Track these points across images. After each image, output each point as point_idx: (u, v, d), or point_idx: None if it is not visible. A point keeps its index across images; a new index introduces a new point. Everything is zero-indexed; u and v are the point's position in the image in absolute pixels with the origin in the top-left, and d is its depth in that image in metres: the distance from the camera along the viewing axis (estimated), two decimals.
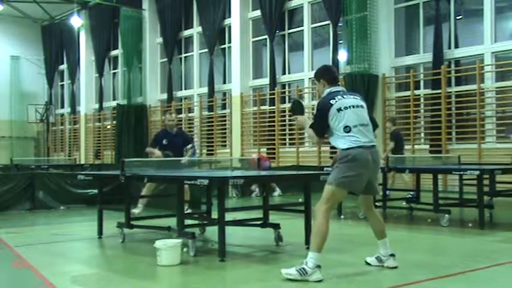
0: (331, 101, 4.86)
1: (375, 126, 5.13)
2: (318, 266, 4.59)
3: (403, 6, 15.45)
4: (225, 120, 19.65)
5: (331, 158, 4.44)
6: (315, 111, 5.02)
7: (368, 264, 5.11)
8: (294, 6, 17.86)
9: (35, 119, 27.43)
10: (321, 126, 4.92)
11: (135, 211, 8.33)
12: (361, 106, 4.97)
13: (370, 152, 4.84)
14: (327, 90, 4.99)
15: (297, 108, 5.36)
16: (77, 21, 23.97)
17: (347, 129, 4.80)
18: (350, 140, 4.77)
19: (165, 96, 22.12)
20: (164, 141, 8.95)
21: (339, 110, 4.82)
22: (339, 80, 5.19)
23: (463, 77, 14.33)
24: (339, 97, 4.89)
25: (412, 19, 15.58)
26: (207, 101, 20.17)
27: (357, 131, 4.81)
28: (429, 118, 14.67)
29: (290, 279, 4.59)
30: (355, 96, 5.03)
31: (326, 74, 5.10)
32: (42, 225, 9.12)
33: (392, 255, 5.02)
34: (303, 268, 4.58)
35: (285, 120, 17.49)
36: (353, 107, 4.88)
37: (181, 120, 20.50)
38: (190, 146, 9.15)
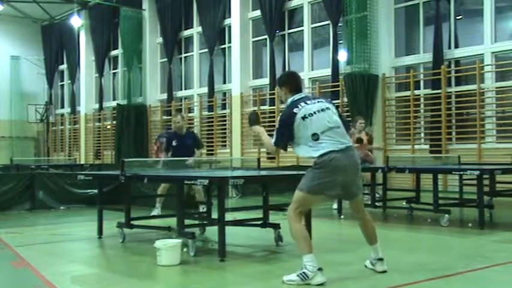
0: (294, 110, 4.69)
1: (347, 128, 4.91)
2: (320, 269, 4.53)
3: (403, 6, 15.44)
4: (225, 120, 19.65)
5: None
6: (277, 124, 4.83)
7: (366, 267, 5.01)
8: (294, 6, 17.85)
9: (35, 119, 27.42)
10: (285, 138, 4.75)
11: (154, 213, 8.38)
12: (327, 108, 4.77)
13: (345, 155, 4.65)
14: (290, 99, 4.83)
15: (254, 118, 5.25)
16: (77, 21, 23.97)
17: (315, 136, 4.63)
18: (320, 147, 4.60)
19: (165, 96, 22.11)
20: (174, 143, 8.93)
21: (304, 118, 4.65)
22: (302, 87, 4.99)
23: (463, 77, 14.32)
24: (302, 104, 4.72)
25: (412, 19, 15.57)
26: (207, 101, 20.17)
27: (325, 136, 4.64)
28: (429, 118, 14.66)
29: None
30: (320, 100, 4.86)
31: (287, 82, 4.94)
32: (42, 225, 9.12)
33: (380, 259, 4.88)
34: (304, 272, 4.52)
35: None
36: (318, 111, 4.70)
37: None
38: (197, 153, 9.13)
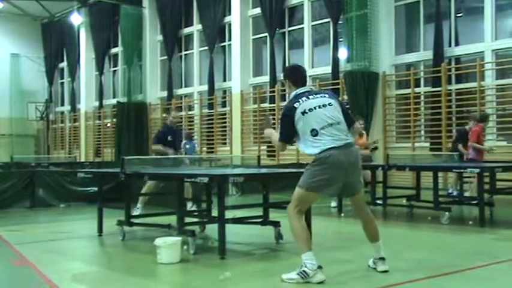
0: (295, 105, 4.65)
1: (350, 123, 4.84)
2: (319, 267, 4.52)
3: (403, 3, 15.42)
4: (225, 118, 19.64)
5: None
6: (280, 120, 4.80)
7: (369, 266, 4.96)
8: (294, 4, 17.83)
9: (35, 116, 27.42)
10: (287, 133, 4.72)
11: (136, 213, 8.33)
12: (329, 104, 4.69)
13: (344, 152, 4.57)
14: (293, 93, 4.78)
15: (266, 122, 5.30)
16: (77, 19, 23.97)
17: (314, 132, 4.58)
18: (320, 144, 4.55)
19: (165, 94, 22.11)
20: (169, 138, 9.05)
21: (304, 113, 4.61)
22: (306, 80, 4.95)
23: (463, 74, 14.31)
24: (304, 99, 4.66)
25: (412, 17, 15.55)
26: (207, 98, 20.16)
27: (325, 132, 4.57)
28: (429, 116, 14.65)
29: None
30: (323, 95, 4.77)
31: (291, 76, 4.90)
32: (42, 223, 9.13)
33: (381, 258, 4.84)
34: (304, 271, 4.49)
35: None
36: (319, 107, 4.64)
37: (181, 118, 20.49)
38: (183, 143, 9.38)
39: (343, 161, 4.57)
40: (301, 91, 4.78)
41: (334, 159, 4.54)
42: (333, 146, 4.56)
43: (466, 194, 10.28)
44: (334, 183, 4.63)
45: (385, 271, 4.81)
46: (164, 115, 21.81)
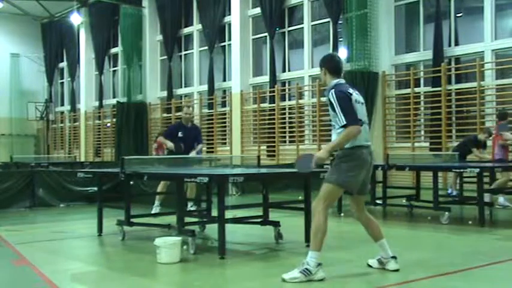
0: (349, 90, 4.66)
1: None
2: (319, 264, 4.56)
3: (403, 3, 15.43)
4: (225, 118, 19.65)
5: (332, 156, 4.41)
6: (336, 103, 4.57)
7: (370, 266, 4.98)
8: (294, 4, 17.83)
9: (34, 116, 27.40)
10: (354, 111, 4.56)
11: (154, 211, 8.37)
12: (364, 104, 4.86)
13: (369, 152, 4.76)
14: (335, 81, 4.76)
15: (302, 164, 4.86)
16: (76, 19, 23.95)
17: (360, 122, 4.64)
18: (360, 136, 4.61)
19: (165, 93, 22.11)
20: (180, 134, 9.01)
21: (356, 101, 4.67)
22: (342, 72, 4.94)
23: (463, 74, 14.31)
24: (351, 90, 4.71)
25: (412, 16, 15.56)
26: (207, 98, 20.16)
27: (364, 128, 4.70)
28: (429, 116, 14.66)
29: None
30: (358, 92, 4.87)
31: (328, 63, 4.90)
32: (42, 222, 9.13)
33: (393, 257, 4.85)
34: (306, 269, 4.51)
35: (285, 118, 17.49)
36: (360, 103, 4.75)
37: (181, 118, 20.45)
38: (199, 147, 9.19)
39: (369, 161, 4.73)
40: (343, 82, 4.82)
41: (364, 158, 4.68)
42: (364, 144, 4.69)
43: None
44: (359, 181, 4.72)
45: (397, 270, 4.81)
46: (164, 115, 21.85)
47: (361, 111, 4.72)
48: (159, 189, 8.75)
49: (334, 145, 4.64)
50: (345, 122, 4.51)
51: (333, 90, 4.67)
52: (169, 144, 8.82)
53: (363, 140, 4.68)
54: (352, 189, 4.76)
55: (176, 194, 6.17)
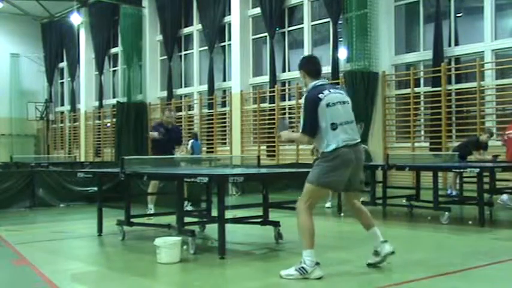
0: (319, 95, 4.64)
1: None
2: (317, 263, 4.56)
3: (403, 3, 15.43)
4: (225, 118, 19.65)
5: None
6: (302, 107, 4.77)
7: (371, 265, 4.96)
8: (294, 4, 17.84)
9: (34, 116, 27.41)
10: (311, 123, 4.64)
11: (148, 213, 8.37)
12: (347, 102, 4.78)
13: (354, 150, 4.71)
14: (312, 84, 4.77)
15: (281, 125, 5.28)
16: (76, 19, 23.95)
17: (333, 126, 4.62)
18: (335, 140, 4.60)
19: (164, 93, 22.11)
20: (161, 130, 9.12)
21: (328, 105, 4.63)
22: (321, 73, 4.94)
23: (463, 74, 14.31)
24: (326, 92, 4.68)
25: (412, 16, 15.56)
26: (207, 98, 20.16)
27: (342, 129, 4.65)
28: (429, 116, 14.66)
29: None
30: (340, 92, 4.83)
31: (305, 65, 4.90)
32: (42, 222, 9.12)
33: (385, 241, 4.86)
34: (302, 267, 4.54)
35: (284, 118, 17.49)
36: (340, 103, 4.70)
37: (181, 118, 20.49)
38: (179, 148, 9.35)
39: (353, 159, 4.70)
40: (321, 83, 4.81)
41: (346, 157, 4.65)
42: (347, 143, 4.66)
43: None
44: (343, 180, 4.71)
45: (392, 252, 4.84)
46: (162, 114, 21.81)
47: (339, 112, 4.68)
48: (149, 190, 8.72)
49: (291, 137, 5.12)
50: (300, 129, 4.73)
51: (307, 93, 4.76)
52: (154, 134, 8.99)
53: (341, 141, 4.62)
54: (336, 188, 4.85)
55: (176, 194, 6.16)
